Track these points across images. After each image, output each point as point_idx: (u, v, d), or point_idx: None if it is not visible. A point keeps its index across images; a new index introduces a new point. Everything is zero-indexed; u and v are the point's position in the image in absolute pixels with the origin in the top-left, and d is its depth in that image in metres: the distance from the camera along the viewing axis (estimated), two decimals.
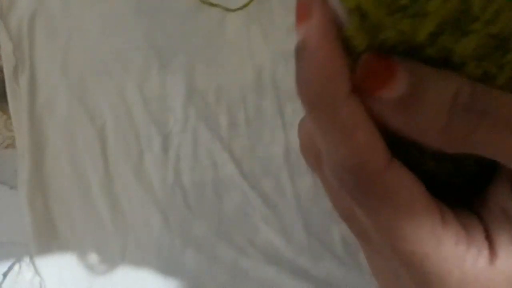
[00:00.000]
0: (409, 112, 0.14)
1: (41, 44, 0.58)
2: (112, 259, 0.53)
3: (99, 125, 0.56)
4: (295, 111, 0.54)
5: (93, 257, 0.53)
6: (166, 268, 0.51)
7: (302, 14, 0.15)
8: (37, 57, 0.58)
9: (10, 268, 0.54)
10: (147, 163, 0.55)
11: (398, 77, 0.14)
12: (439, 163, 0.18)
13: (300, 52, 0.15)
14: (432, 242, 0.15)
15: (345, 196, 0.16)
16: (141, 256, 0.52)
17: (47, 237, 0.54)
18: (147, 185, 0.54)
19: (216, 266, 0.50)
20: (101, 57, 0.56)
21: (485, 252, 0.15)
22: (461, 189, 0.18)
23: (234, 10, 0.55)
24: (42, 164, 0.56)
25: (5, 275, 0.54)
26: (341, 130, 0.15)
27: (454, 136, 0.15)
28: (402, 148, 0.17)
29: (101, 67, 0.56)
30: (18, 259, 0.54)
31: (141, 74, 0.56)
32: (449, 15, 0.15)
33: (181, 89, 0.55)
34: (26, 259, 0.54)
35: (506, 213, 0.16)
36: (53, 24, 0.58)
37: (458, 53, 0.16)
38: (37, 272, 0.53)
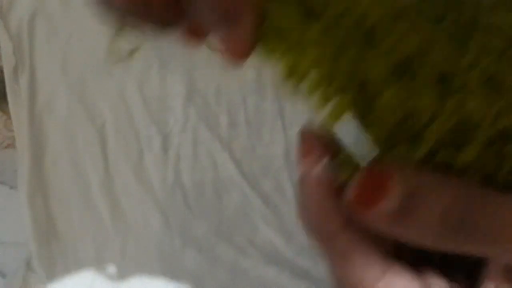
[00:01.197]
0: (405, 222, 0.15)
1: (41, 44, 0.58)
2: (112, 259, 0.53)
3: (99, 125, 0.56)
4: (295, 111, 0.54)
5: (93, 257, 0.53)
6: (166, 268, 0.51)
7: (305, 150, 0.18)
8: (37, 57, 0.58)
9: (10, 268, 0.54)
10: (147, 163, 0.55)
11: (392, 191, 0.15)
12: None
13: (302, 183, 0.18)
14: None
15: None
16: (141, 256, 0.52)
17: (47, 237, 0.54)
18: (147, 185, 0.54)
19: (216, 266, 0.50)
20: (101, 57, 0.56)
21: None
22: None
23: None
24: (42, 164, 0.56)
25: (5, 275, 0.54)
26: (337, 257, 0.17)
27: (449, 241, 0.16)
28: None
29: (101, 67, 0.56)
30: (18, 259, 0.54)
31: (141, 74, 0.56)
32: (443, 134, 0.16)
33: (181, 89, 0.55)
34: (26, 259, 0.54)
35: None
36: (53, 24, 0.58)
37: (460, 163, 0.16)
38: (37, 272, 0.53)
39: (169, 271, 0.51)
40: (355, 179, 0.16)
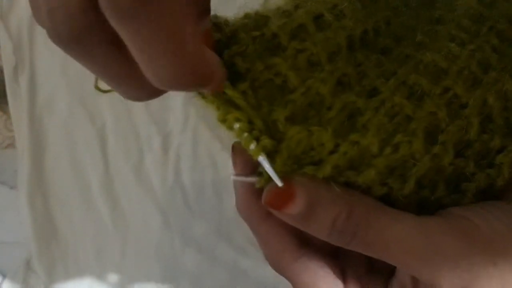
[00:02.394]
0: (306, 224, 0.20)
1: (41, 44, 0.58)
2: (112, 259, 0.53)
3: (99, 125, 0.56)
4: None
5: (93, 257, 0.53)
6: (166, 268, 0.51)
7: (236, 161, 0.24)
8: (37, 57, 0.58)
9: (10, 268, 0.54)
10: (147, 163, 0.55)
11: (296, 201, 0.20)
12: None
13: (234, 185, 0.24)
14: None
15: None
16: (141, 256, 0.52)
17: (47, 237, 0.54)
18: (147, 185, 0.54)
19: (216, 266, 0.50)
20: None
21: None
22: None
23: None
24: (42, 164, 0.56)
25: (5, 275, 0.54)
26: (261, 241, 0.24)
27: (336, 243, 0.21)
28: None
29: None
30: (18, 259, 0.54)
31: None
32: (344, 162, 0.21)
33: None
34: (26, 259, 0.54)
35: (405, 287, 0.22)
36: None
37: (361, 182, 0.21)
38: (37, 272, 0.53)
39: (169, 271, 0.51)
40: (269, 187, 0.21)
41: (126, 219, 0.54)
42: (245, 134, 0.21)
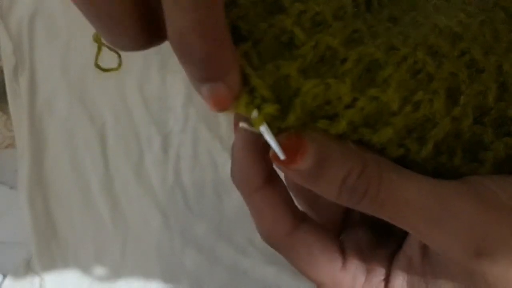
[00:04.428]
0: (314, 181, 0.19)
1: (41, 44, 0.58)
2: (112, 259, 0.53)
3: (99, 125, 0.56)
4: None
5: (93, 257, 0.53)
6: (166, 268, 0.51)
7: (236, 123, 0.22)
8: (37, 57, 0.58)
9: (10, 268, 0.54)
10: (147, 163, 0.55)
11: (306, 155, 0.18)
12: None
13: (233, 148, 0.22)
14: (331, 283, 0.21)
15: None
16: (141, 256, 0.52)
17: (47, 237, 0.54)
18: (147, 185, 0.54)
19: (216, 266, 0.50)
20: (101, 57, 0.56)
21: None
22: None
23: None
24: (42, 164, 0.56)
25: (5, 275, 0.54)
26: (254, 211, 0.22)
27: (346, 203, 0.20)
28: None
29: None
30: (18, 259, 0.54)
31: (141, 74, 0.56)
32: (360, 118, 0.20)
33: (181, 89, 0.55)
34: (26, 259, 0.54)
35: (411, 260, 0.21)
36: (53, 24, 0.58)
37: (377, 141, 0.20)
38: (37, 272, 0.53)
39: (168, 271, 0.51)
40: (279, 139, 0.19)
41: (126, 219, 0.54)
42: (244, 104, 0.19)
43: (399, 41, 0.21)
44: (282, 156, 0.19)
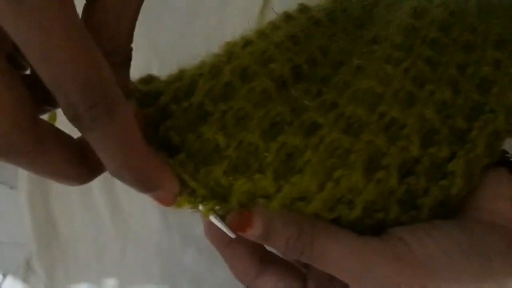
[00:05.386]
0: (265, 242, 0.24)
1: None
2: (112, 259, 0.53)
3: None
4: None
5: (93, 257, 0.53)
6: (166, 268, 0.51)
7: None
8: None
9: (10, 268, 0.54)
10: None
11: (255, 225, 0.23)
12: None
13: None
14: None
15: None
16: (141, 256, 0.52)
17: (47, 237, 0.54)
18: None
19: (216, 266, 0.50)
20: None
21: None
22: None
23: None
24: None
25: (5, 275, 0.54)
26: (227, 262, 0.28)
27: (291, 257, 0.25)
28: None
29: None
30: (18, 259, 0.54)
31: (141, 74, 0.56)
32: (289, 199, 0.23)
33: None
34: (26, 259, 0.54)
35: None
36: None
37: (310, 211, 0.23)
38: (37, 272, 0.53)
39: (168, 271, 0.51)
40: (232, 215, 0.23)
41: (126, 219, 0.54)
42: (187, 202, 0.24)
43: (321, 116, 0.24)
44: (232, 235, 0.23)
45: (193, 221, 0.52)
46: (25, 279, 0.53)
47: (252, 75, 0.25)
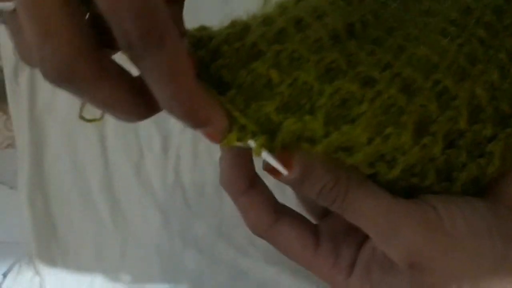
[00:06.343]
0: (298, 187, 0.24)
1: None
2: (112, 259, 0.53)
3: (99, 125, 0.56)
4: None
5: (93, 257, 0.53)
6: (166, 268, 0.51)
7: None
8: None
9: (10, 268, 0.54)
10: (147, 163, 0.55)
11: (293, 168, 0.23)
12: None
13: (221, 159, 0.29)
14: (306, 265, 0.26)
15: None
16: (141, 256, 0.52)
17: (47, 237, 0.54)
18: (147, 185, 0.54)
19: (216, 266, 0.50)
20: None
21: (343, 274, 0.25)
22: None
23: None
24: (42, 164, 0.56)
25: (5, 275, 0.54)
26: (241, 210, 0.28)
27: (321, 203, 0.24)
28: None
29: None
30: (18, 259, 0.54)
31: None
32: (335, 146, 0.23)
33: None
34: (26, 259, 0.54)
35: (374, 250, 0.25)
36: None
37: (351, 162, 0.23)
38: (37, 272, 0.53)
39: (169, 271, 0.51)
40: (272, 155, 0.23)
41: (126, 219, 0.54)
42: (235, 139, 0.23)
43: (377, 72, 0.24)
44: (285, 173, 0.23)
45: (193, 221, 0.52)
46: (25, 279, 0.53)
47: (306, 26, 0.24)
